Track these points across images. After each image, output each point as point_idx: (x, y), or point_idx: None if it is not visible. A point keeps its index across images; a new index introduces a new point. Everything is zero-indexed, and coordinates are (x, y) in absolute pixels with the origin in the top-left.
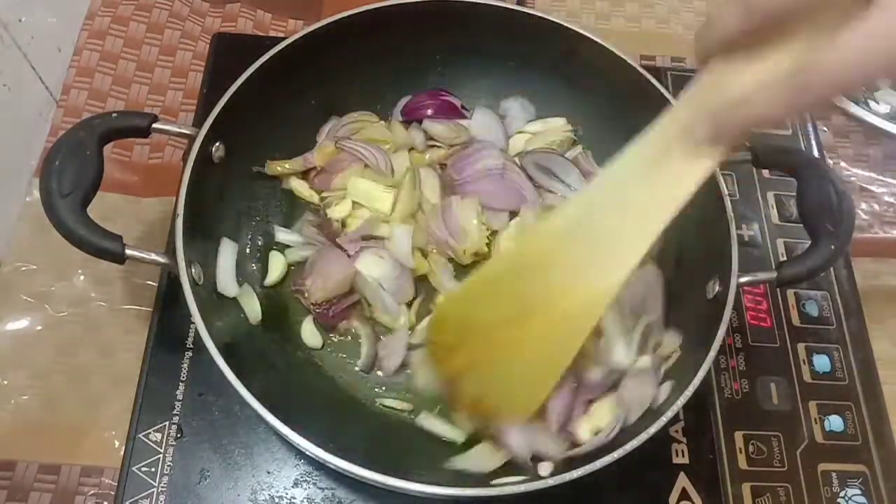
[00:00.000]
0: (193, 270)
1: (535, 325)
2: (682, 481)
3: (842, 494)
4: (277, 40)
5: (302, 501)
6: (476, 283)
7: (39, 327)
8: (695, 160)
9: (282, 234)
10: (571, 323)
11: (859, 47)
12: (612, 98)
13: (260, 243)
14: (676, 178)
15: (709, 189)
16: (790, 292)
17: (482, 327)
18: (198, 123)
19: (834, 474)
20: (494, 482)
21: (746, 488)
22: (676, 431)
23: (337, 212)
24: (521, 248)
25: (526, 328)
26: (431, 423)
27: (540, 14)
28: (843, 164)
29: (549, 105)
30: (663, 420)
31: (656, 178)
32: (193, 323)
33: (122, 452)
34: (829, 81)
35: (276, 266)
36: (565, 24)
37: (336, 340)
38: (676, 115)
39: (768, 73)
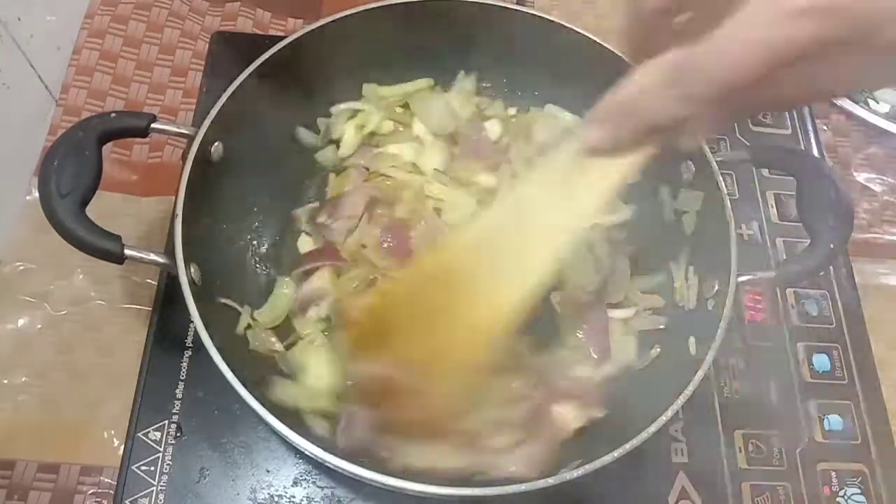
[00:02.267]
0: (192, 270)
1: (443, 335)
2: (682, 480)
3: (841, 494)
4: (277, 39)
5: (301, 500)
6: (393, 292)
7: (39, 326)
8: (602, 172)
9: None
10: (476, 336)
11: (726, 39)
12: None
13: (259, 244)
14: (586, 192)
15: (708, 188)
16: (790, 291)
17: (401, 332)
18: (197, 123)
19: (833, 474)
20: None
21: (746, 487)
22: (676, 431)
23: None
24: (432, 259)
25: (437, 337)
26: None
27: (540, 14)
28: (842, 163)
29: (548, 103)
30: (663, 419)
31: (566, 194)
32: (193, 322)
33: (121, 451)
34: (703, 79)
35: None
36: (565, 24)
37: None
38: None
39: (656, 68)
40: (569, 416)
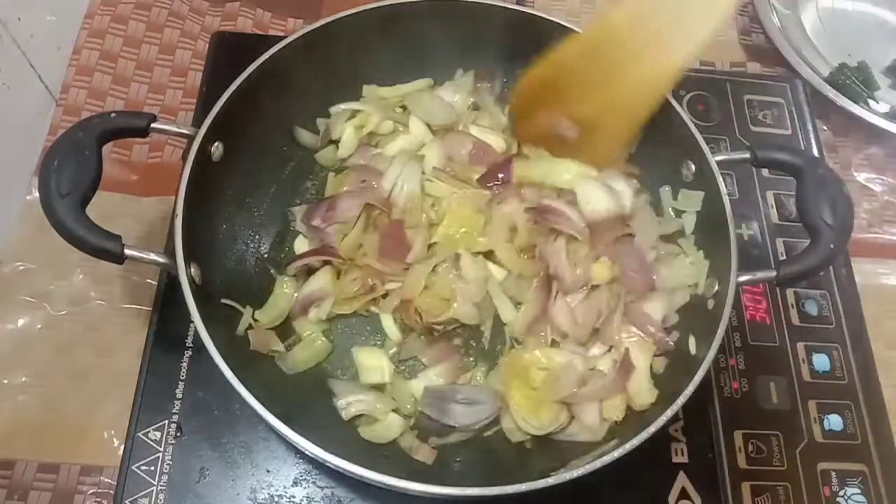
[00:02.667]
0: (192, 270)
1: (614, 89)
2: (682, 480)
3: (841, 493)
4: (277, 39)
5: (301, 500)
6: (566, 52)
7: (39, 326)
8: None
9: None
10: (641, 90)
11: None
12: None
13: (260, 244)
14: None
15: (708, 188)
16: (790, 291)
17: (572, 87)
18: (197, 123)
19: (833, 473)
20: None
21: (746, 487)
22: (676, 431)
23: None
24: (600, 25)
25: (607, 90)
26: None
27: (540, 14)
28: (842, 163)
29: None
30: (663, 419)
31: None
32: (193, 322)
33: (121, 451)
34: None
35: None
36: (565, 24)
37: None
38: None
39: None
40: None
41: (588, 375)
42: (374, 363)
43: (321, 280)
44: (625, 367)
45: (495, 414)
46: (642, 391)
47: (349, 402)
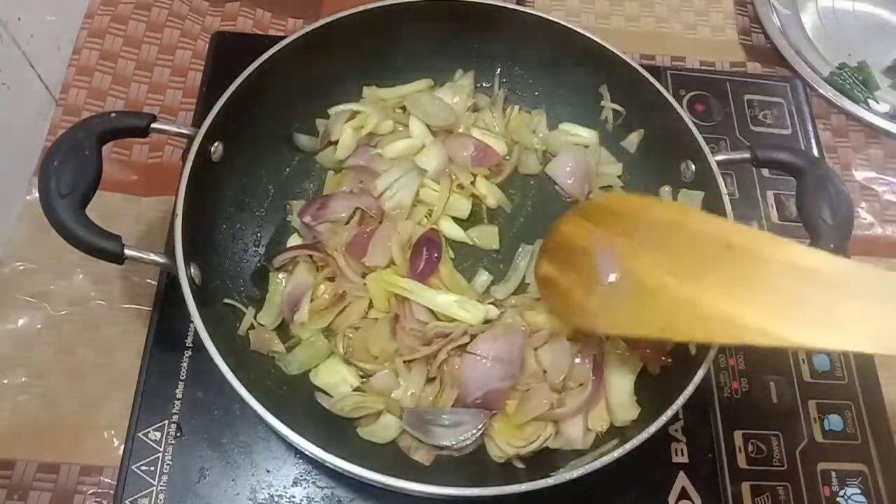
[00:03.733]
0: (192, 270)
1: (689, 291)
2: (682, 480)
3: (841, 493)
4: (277, 39)
5: (301, 500)
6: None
7: (39, 326)
8: None
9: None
10: (713, 322)
11: None
12: (612, 98)
13: (260, 244)
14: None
15: (709, 188)
16: None
17: (645, 255)
18: (197, 123)
19: (833, 473)
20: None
21: (746, 487)
22: (676, 430)
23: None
24: (738, 236)
25: (680, 288)
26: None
27: (540, 14)
28: (842, 163)
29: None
30: (663, 419)
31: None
32: (193, 322)
33: (121, 451)
34: None
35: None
36: (565, 24)
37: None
38: None
39: None
40: None
41: (564, 394)
42: (335, 378)
43: (301, 274)
44: (599, 377)
45: (481, 432)
46: (623, 407)
47: (339, 400)
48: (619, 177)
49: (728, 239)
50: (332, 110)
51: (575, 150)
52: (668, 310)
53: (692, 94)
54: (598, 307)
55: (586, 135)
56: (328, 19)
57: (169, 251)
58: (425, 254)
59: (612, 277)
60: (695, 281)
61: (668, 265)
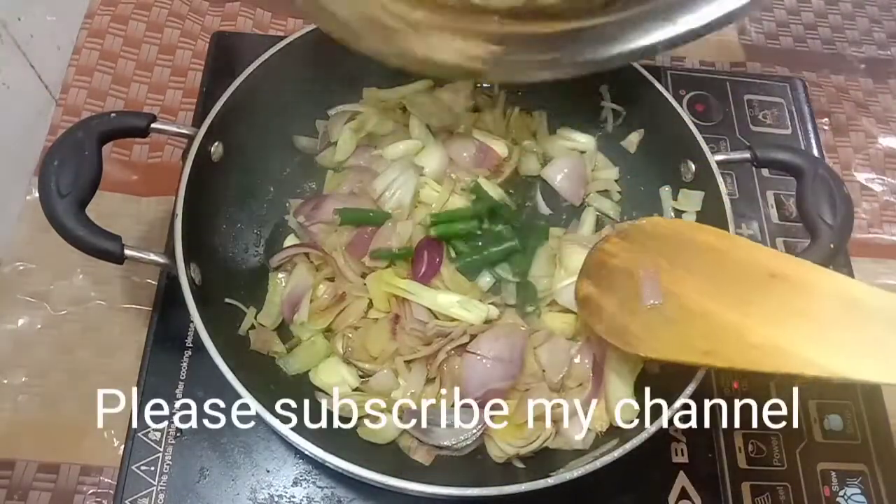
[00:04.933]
0: (192, 270)
1: (734, 318)
2: (682, 480)
3: (841, 493)
4: (277, 39)
5: (301, 500)
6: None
7: (39, 326)
8: None
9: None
10: (758, 351)
11: None
12: (612, 98)
13: (260, 244)
14: None
15: (708, 188)
16: None
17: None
18: (197, 122)
19: (833, 473)
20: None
21: (746, 487)
22: (676, 431)
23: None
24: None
25: (725, 315)
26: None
27: None
28: (842, 163)
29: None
30: (663, 419)
31: None
32: (193, 322)
33: (121, 451)
34: None
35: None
36: None
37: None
38: None
39: None
40: None
41: (564, 394)
42: (334, 378)
43: (300, 273)
44: (598, 376)
45: (480, 432)
46: (623, 407)
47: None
48: (616, 181)
49: (772, 268)
50: (332, 111)
51: (571, 155)
52: (711, 335)
53: (692, 94)
54: (641, 330)
55: (583, 140)
56: None
57: (169, 251)
58: (426, 257)
59: (656, 301)
60: (739, 308)
61: (712, 291)
